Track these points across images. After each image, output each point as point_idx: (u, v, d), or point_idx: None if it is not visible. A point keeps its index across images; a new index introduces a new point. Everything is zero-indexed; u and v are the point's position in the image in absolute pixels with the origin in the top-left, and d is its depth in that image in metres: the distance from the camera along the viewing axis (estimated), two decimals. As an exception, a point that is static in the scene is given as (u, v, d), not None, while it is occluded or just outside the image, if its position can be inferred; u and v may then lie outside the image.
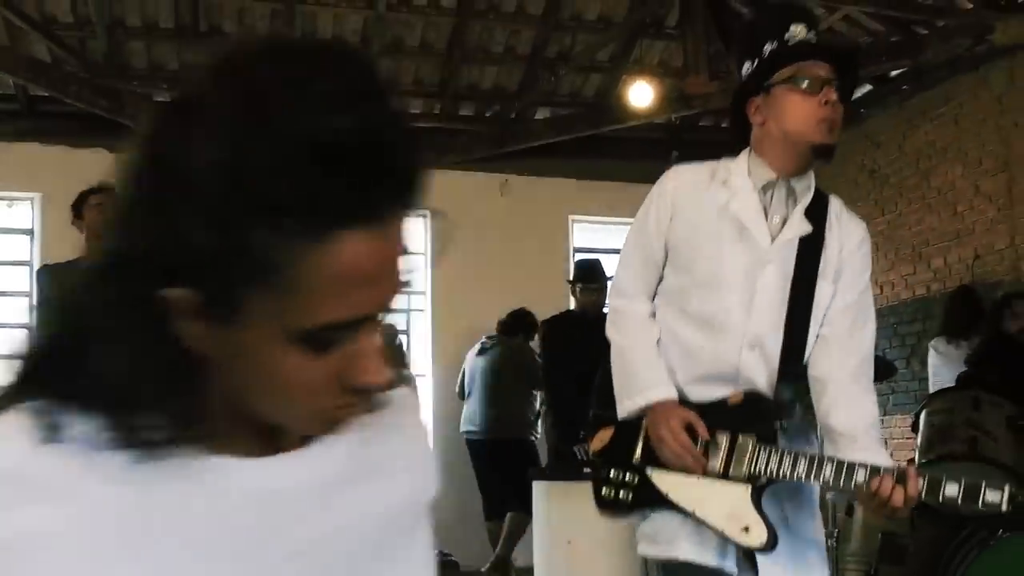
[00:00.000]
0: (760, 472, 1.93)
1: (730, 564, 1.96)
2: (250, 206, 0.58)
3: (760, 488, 1.93)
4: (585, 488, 2.19)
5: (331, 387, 0.67)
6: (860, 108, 7.38)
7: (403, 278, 0.68)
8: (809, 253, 2.02)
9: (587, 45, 7.19)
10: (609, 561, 3.75)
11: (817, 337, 2.04)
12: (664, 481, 2.00)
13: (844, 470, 1.86)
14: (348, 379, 0.67)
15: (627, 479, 2.04)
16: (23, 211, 7.08)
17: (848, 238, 2.08)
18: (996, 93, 6.08)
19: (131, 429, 0.65)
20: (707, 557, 1.96)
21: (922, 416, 3.54)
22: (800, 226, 2.03)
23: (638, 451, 2.04)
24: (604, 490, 2.06)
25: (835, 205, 2.13)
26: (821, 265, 2.03)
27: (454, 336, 7.46)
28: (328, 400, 0.68)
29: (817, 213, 2.06)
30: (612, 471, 2.06)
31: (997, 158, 6.08)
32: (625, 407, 2.06)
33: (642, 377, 2.05)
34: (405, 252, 0.68)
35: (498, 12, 6.95)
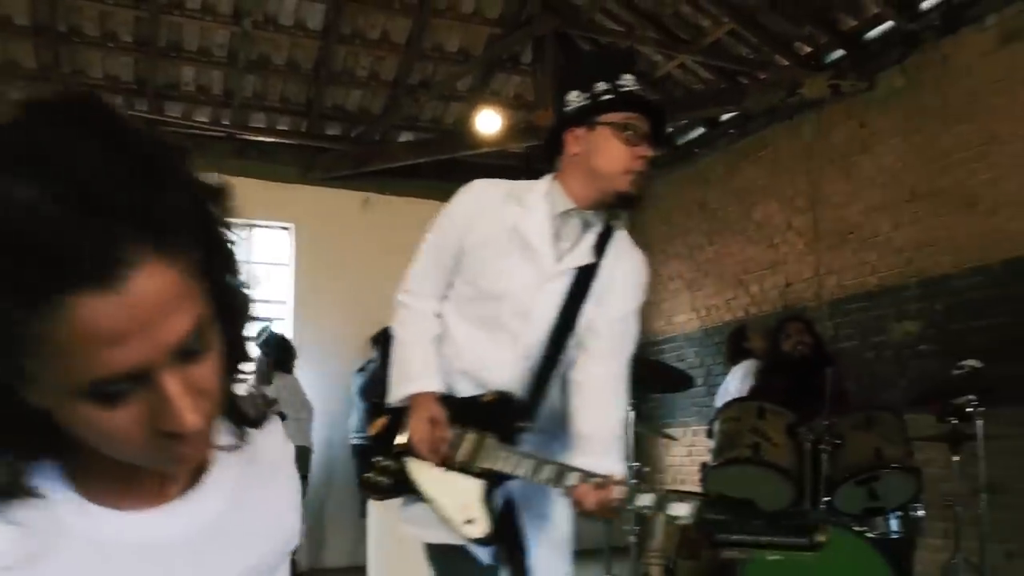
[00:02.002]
0: (494, 469, 1.98)
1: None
2: None
3: (493, 484, 1.98)
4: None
5: (144, 433, 0.65)
6: (694, 148, 7.77)
7: (180, 323, 0.63)
8: (584, 279, 2.09)
9: (448, 75, 7.27)
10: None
11: (579, 349, 2.11)
12: (416, 469, 2.03)
13: (559, 472, 1.91)
14: (157, 425, 0.64)
15: (390, 465, 2.07)
16: None
17: (620, 268, 2.15)
18: (806, 140, 6.50)
19: None
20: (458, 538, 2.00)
21: (716, 424, 3.74)
22: (585, 256, 2.09)
23: (401, 439, 2.07)
24: (370, 474, 2.08)
25: (619, 238, 2.18)
26: (592, 288, 2.09)
27: (314, 346, 7.35)
28: (150, 445, 0.66)
29: (602, 245, 2.13)
30: (380, 456, 2.08)
31: (806, 198, 6.49)
32: (393, 395, 2.10)
33: (412, 369, 2.08)
34: (177, 295, 0.63)
35: (363, 38, 6.95)
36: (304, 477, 6.16)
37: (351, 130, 7.65)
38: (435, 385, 2.05)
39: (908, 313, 5.64)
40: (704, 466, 3.69)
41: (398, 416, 2.09)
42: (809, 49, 6.28)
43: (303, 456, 6.23)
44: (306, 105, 7.36)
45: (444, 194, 7.25)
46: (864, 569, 3.24)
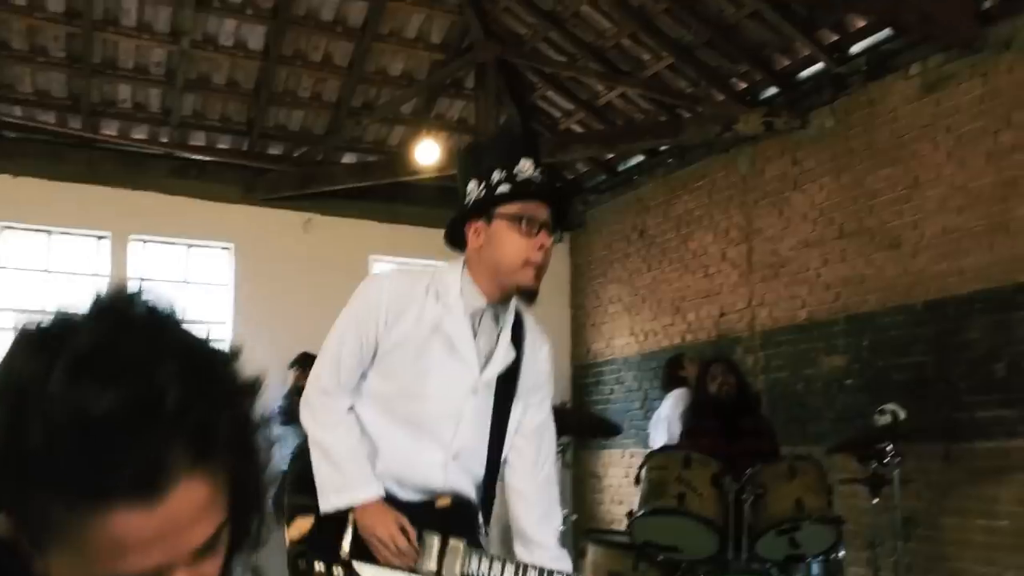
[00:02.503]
0: (472, 573, 1.95)
1: None
2: (23, 478, 0.62)
3: None
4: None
5: None
6: (634, 175, 7.81)
7: (205, 530, 0.67)
8: (510, 378, 2.09)
9: (391, 98, 7.20)
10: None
11: (512, 451, 2.15)
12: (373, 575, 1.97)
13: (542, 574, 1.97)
14: None
15: (334, 572, 1.98)
16: None
17: (536, 356, 2.17)
18: (741, 173, 6.57)
19: None
20: None
21: (643, 471, 3.75)
22: (506, 355, 2.07)
23: (346, 545, 1.98)
24: None
25: (529, 324, 2.17)
26: (518, 387, 2.11)
27: (253, 366, 7.20)
28: None
29: (517, 336, 2.11)
30: (318, 563, 1.98)
31: (740, 230, 6.57)
32: (331, 502, 1.99)
33: (348, 474, 2.00)
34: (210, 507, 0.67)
35: (305, 60, 6.84)
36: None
37: (293, 150, 7.52)
38: (379, 490, 1.99)
39: (836, 348, 5.74)
40: (631, 514, 3.68)
41: (328, 520, 2.00)
42: (744, 85, 6.34)
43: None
44: (247, 124, 7.21)
45: (388, 215, 7.23)
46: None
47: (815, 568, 3.77)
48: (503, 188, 1.98)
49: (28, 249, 6.75)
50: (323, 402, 2.06)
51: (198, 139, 7.27)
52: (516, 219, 1.97)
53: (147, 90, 6.76)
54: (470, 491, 2.08)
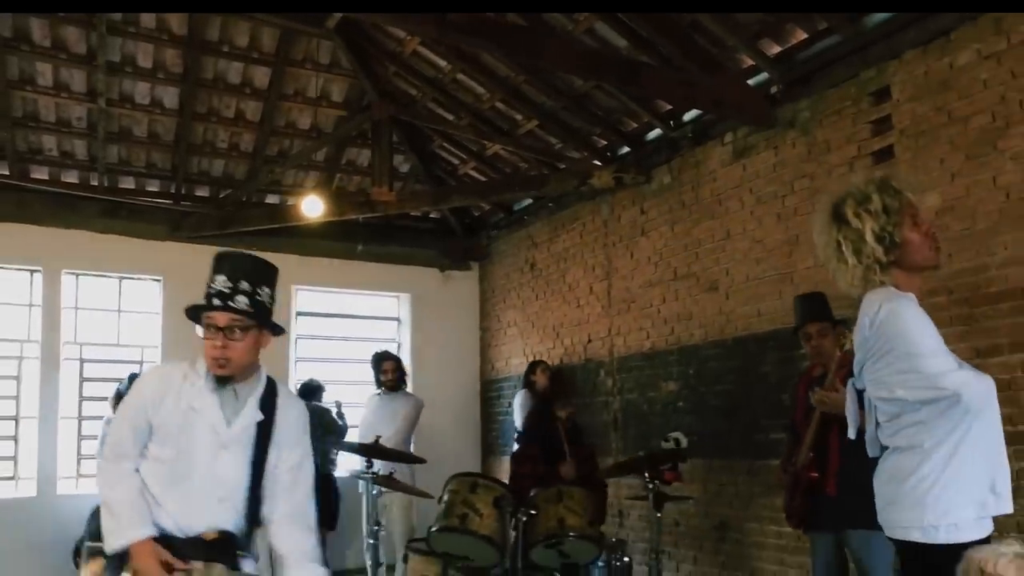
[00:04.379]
0: None
1: None
2: None
3: None
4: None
5: None
6: (524, 215, 8.33)
7: None
8: (264, 433, 2.55)
9: (303, 148, 7.68)
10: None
11: (267, 491, 2.60)
12: None
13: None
14: None
15: None
16: None
17: (287, 417, 2.61)
18: (603, 219, 7.10)
19: None
20: None
21: (444, 492, 4.25)
22: (253, 415, 2.53)
23: None
24: None
25: (282, 391, 2.64)
26: (272, 440, 2.56)
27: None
28: None
29: (268, 402, 2.57)
30: None
31: (603, 267, 7.10)
32: (111, 545, 2.43)
33: (125, 520, 2.42)
34: None
35: (219, 116, 7.30)
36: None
37: (218, 193, 7.98)
38: (148, 531, 2.42)
39: (671, 375, 6.26)
40: (429, 529, 4.19)
41: (113, 560, 2.44)
42: (604, 143, 6.87)
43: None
44: (172, 170, 7.66)
45: (306, 249, 7.59)
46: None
47: (597, 573, 4.25)
48: (202, 300, 2.48)
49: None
50: (108, 467, 2.53)
51: (127, 183, 7.71)
52: (204, 325, 2.48)
53: (72, 140, 7.19)
54: (233, 525, 2.53)
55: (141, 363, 7.94)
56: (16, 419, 7.23)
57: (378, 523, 4.55)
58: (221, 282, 2.46)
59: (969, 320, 4.15)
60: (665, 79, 5.09)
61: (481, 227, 8.96)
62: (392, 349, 8.85)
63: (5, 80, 6.51)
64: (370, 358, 6.49)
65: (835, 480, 3.65)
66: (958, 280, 4.19)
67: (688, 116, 6.09)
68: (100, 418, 7.19)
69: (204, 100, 7.12)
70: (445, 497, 4.13)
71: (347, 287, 8.74)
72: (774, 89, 5.24)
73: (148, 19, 6.48)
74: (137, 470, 2.53)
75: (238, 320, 2.44)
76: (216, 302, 2.44)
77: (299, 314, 8.51)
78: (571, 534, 3.98)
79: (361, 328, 8.88)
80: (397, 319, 9.03)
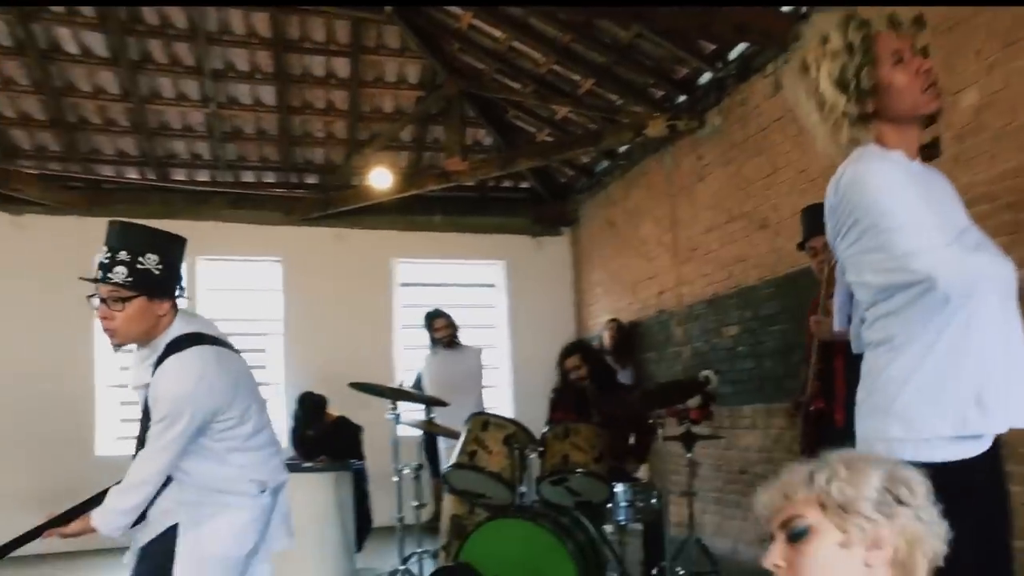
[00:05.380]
0: None
1: None
2: None
3: None
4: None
5: None
6: (602, 177, 7.86)
7: None
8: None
9: (390, 128, 7.62)
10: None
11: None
12: None
13: None
14: None
15: None
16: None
17: (154, 382, 2.29)
18: (666, 169, 6.54)
19: None
20: None
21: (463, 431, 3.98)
22: (136, 381, 2.40)
23: None
24: None
25: (168, 358, 2.30)
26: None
27: (302, 356, 7.85)
28: None
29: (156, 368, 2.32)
30: None
31: (668, 218, 6.54)
32: None
33: None
34: None
35: (312, 108, 7.41)
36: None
37: (322, 178, 8.12)
38: None
39: (731, 319, 5.66)
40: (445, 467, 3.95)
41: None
42: (660, 93, 6.30)
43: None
44: (281, 162, 7.89)
45: (405, 224, 7.59)
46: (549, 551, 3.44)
47: (622, 513, 3.83)
48: None
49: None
50: None
51: (247, 176, 8.01)
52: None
53: (196, 143, 7.54)
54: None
55: (267, 334, 8.16)
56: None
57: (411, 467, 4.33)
58: (102, 253, 2.28)
59: (1016, 228, 3.35)
60: (690, 12, 4.51)
61: (569, 193, 8.57)
62: (489, 314, 8.70)
63: (139, 96, 6.88)
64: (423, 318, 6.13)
65: (842, 408, 3.03)
66: (1001, 183, 3.41)
67: (733, 54, 5.42)
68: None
69: (297, 95, 7.25)
70: (462, 436, 3.85)
71: (445, 257, 8.64)
72: (804, 10, 4.52)
73: (239, 26, 6.65)
74: None
75: (115, 291, 2.26)
76: (98, 274, 2.28)
77: (402, 285, 8.48)
78: (577, 470, 3.59)
79: (460, 295, 8.73)
80: (494, 286, 8.80)
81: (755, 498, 1.18)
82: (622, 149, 7.38)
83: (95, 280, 2.28)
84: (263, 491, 2.45)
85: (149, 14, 6.44)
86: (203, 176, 7.90)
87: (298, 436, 6.07)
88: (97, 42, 6.56)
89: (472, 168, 7.05)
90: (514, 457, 3.72)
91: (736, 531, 5.38)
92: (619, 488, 3.78)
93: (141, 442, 2.33)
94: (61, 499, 2.51)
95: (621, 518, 3.82)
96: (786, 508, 1.13)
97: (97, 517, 2.28)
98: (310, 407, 6.06)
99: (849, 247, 1.70)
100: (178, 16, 6.47)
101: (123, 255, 2.26)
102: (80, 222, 7.31)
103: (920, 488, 1.12)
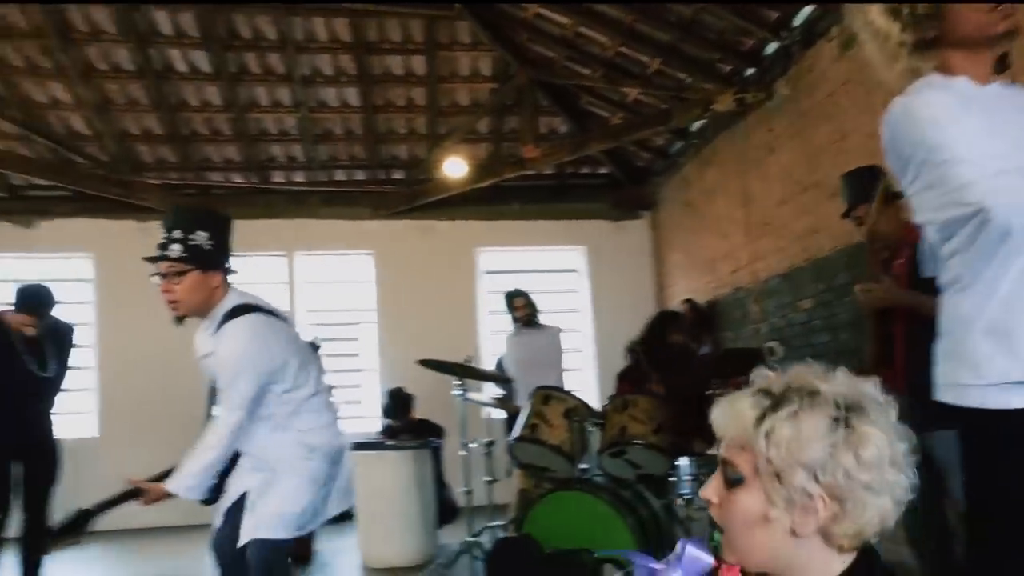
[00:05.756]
0: None
1: None
2: None
3: None
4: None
5: None
6: (678, 158, 7.61)
7: None
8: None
9: (467, 121, 7.65)
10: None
11: None
12: None
13: None
14: None
15: None
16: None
17: (218, 346, 2.46)
18: (738, 144, 6.25)
19: None
20: None
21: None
22: (204, 347, 2.54)
23: None
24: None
25: (229, 322, 2.46)
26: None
27: (394, 343, 8.00)
28: None
29: (219, 331, 2.49)
30: None
31: (741, 194, 6.26)
32: None
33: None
34: None
35: (394, 106, 7.54)
36: None
37: (407, 172, 8.26)
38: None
39: (806, 292, 5.36)
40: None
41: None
42: (728, 68, 6.03)
43: None
44: (369, 159, 8.07)
45: (489, 214, 7.63)
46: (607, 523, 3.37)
47: (687, 487, 3.71)
48: None
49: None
50: None
51: (340, 175, 8.24)
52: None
53: (292, 147, 7.83)
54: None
55: (362, 323, 8.36)
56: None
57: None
58: (160, 235, 2.47)
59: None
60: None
61: (647, 176, 8.35)
62: (571, 299, 8.61)
63: (239, 106, 7.21)
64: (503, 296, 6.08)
65: (903, 376, 2.79)
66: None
67: (797, 20, 5.11)
68: (335, 372, 7.77)
69: (380, 94, 7.40)
70: (525, 410, 3.82)
71: (527, 245, 8.61)
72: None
73: (322, 32, 6.83)
74: None
75: (172, 266, 2.43)
76: (156, 253, 2.46)
77: (486, 273, 8.51)
78: (635, 442, 3.49)
79: (542, 281, 8.68)
80: (575, 271, 8.71)
81: (713, 408, 1.09)
82: (695, 128, 7.13)
83: (154, 259, 2.44)
84: (321, 453, 2.52)
85: (244, 29, 6.74)
86: (299, 177, 8.21)
87: (387, 426, 6.29)
88: (202, 59, 6.93)
89: (545, 155, 6.98)
90: (573, 430, 3.67)
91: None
92: (682, 461, 3.65)
93: (211, 411, 2.48)
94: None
95: (687, 491, 3.69)
96: (729, 446, 1.04)
97: (171, 481, 2.40)
98: (397, 402, 6.32)
99: (910, 186, 1.52)
100: (269, 28, 6.74)
101: (176, 234, 2.43)
102: (193, 224, 7.74)
103: (871, 451, 0.99)
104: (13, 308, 3.87)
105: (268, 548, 2.42)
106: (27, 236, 7.67)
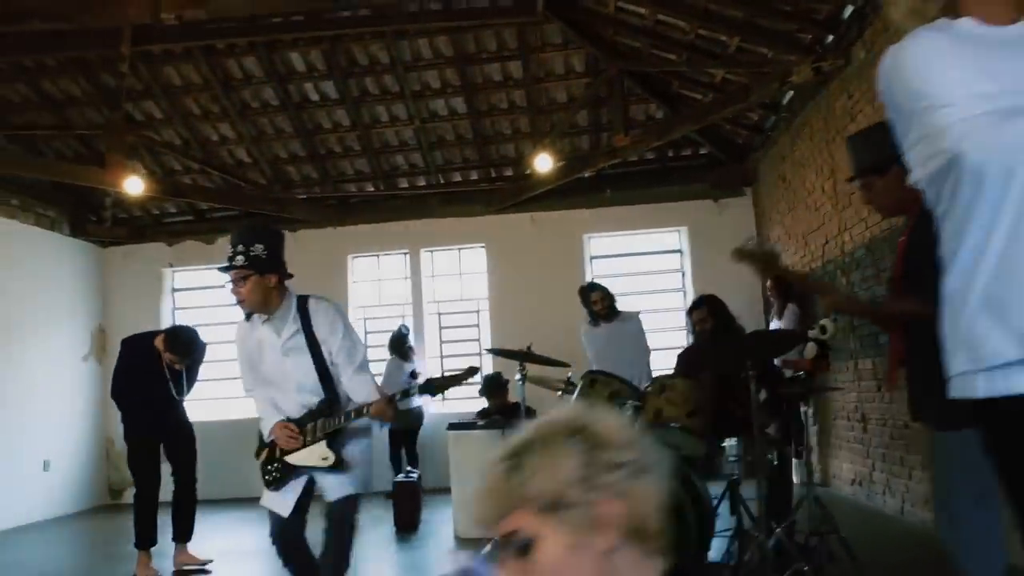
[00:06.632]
0: (321, 433, 2.85)
1: None
2: None
3: (330, 439, 2.84)
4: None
5: None
6: (770, 132, 7.00)
7: None
8: (310, 338, 2.87)
9: (566, 116, 7.50)
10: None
11: (335, 368, 2.93)
12: (290, 458, 2.91)
13: (335, 414, 2.84)
14: None
15: (275, 466, 2.94)
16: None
17: (316, 321, 2.89)
18: (823, 115, 5.65)
19: None
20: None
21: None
22: (292, 328, 2.89)
23: (277, 452, 2.95)
24: (267, 477, 2.93)
25: (311, 305, 2.92)
26: (316, 338, 2.88)
27: (505, 329, 8.03)
28: None
29: (302, 315, 2.89)
30: (267, 467, 2.97)
31: (828, 165, 5.66)
32: (267, 437, 2.99)
33: (262, 423, 2.98)
34: None
35: (498, 110, 7.58)
36: None
37: (516, 169, 8.25)
38: (277, 417, 2.95)
39: (886, 264, 4.74)
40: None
41: (266, 446, 3.00)
42: (808, 37, 5.43)
43: None
44: (480, 160, 8.16)
45: (593, 202, 7.54)
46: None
47: (733, 468, 3.45)
48: None
49: (363, 268, 8.57)
50: (247, 393, 3.10)
51: (455, 177, 8.41)
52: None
53: (412, 155, 8.10)
54: (314, 401, 2.91)
55: (477, 311, 8.43)
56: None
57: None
58: (227, 250, 2.85)
59: None
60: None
61: (747, 153, 7.76)
62: (675, 280, 8.21)
63: (363, 124, 7.58)
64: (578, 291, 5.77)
65: (895, 368, 2.38)
66: None
67: (870, -19, 4.50)
68: (457, 356, 7.98)
69: (483, 100, 7.46)
70: (575, 394, 3.72)
71: (631, 229, 8.32)
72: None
73: (426, 51, 6.99)
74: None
75: (238, 273, 2.80)
76: (224, 264, 2.84)
77: (592, 258, 8.33)
78: (670, 424, 3.27)
79: (647, 263, 8.36)
80: (679, 251, 8.29)
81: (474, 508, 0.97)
82: (785, 101, 6.51)
83: (224, 268, 2.85)
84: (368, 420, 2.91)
85: (361, 56, 7.06)
86: (420, 182, 8.47)
87: (483, 408, 6.35)
88: (330, 88, 7.39)
89: (634, 141, 6.69)
90: (617, 414, 3.49)
91: (903, 489, 4.52)
92: (727, 443, 3.37)
93: (322, 367, 2.85)
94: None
95: (733, 473, 3.42)
96: (501, 523, 0.92)
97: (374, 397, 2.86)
98: (492, 384, 6.33)
99: (904, 142, 1.28)
100: (381, 53, 7.02)
101: (240, 247, 2.82)
102: (336, 232, 8.32)
103: (624, 436, 0.89)
104: (165, 339, 4.69)
105: (358, 503, 2.84)
106: (210, 251, 8.56)
